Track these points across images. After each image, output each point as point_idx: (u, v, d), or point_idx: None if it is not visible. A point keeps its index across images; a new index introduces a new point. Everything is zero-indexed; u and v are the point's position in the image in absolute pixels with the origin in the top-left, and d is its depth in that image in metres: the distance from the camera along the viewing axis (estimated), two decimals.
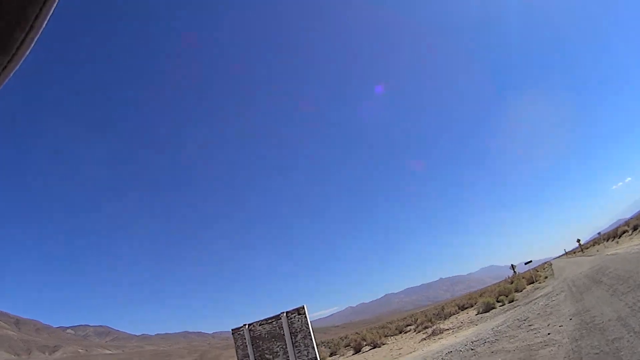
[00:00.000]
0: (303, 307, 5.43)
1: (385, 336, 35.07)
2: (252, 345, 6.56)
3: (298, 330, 5.49)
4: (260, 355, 6.38)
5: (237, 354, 7.08)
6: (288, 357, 5.62)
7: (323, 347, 44.12)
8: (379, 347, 28.44)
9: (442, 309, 46.08)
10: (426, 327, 30.06)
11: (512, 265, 61.67)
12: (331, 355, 33.46)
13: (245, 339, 6.68)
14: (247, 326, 6.69)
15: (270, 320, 6.11)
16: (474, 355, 11.46)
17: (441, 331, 23.67)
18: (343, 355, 30.82)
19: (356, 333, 56.40)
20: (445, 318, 34.16)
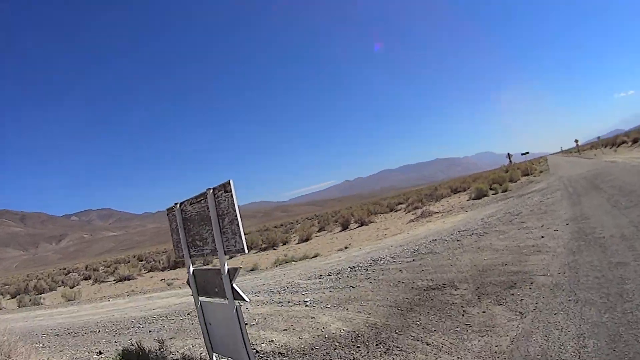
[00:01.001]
0: (229, 183, 4.09)
1: (375, 214, 35.66)
2: (184, 228, 5.61)
3: (225, 212, 4.47)
4: (191, 241, 5.45)
5: (172, 239, 5.86)
6: (215, 246, 4.30)
7: (315, 221, 45.04)
8: (367, 225, 28.92)
9: (435, 189, 46.69)
10: (416, 208, 30.58)
11: (508, 153, 60.38)
12: (320, 230, 34.18)
13: (177, 220, 5.41)
14: (178, 205, 5.48)
15: (198, 199, 4.85)
16: (459, 247, 10.60)
17: (430, 214, 23.93)
18: (330, 231, 31.22)
19: (348, 208, 57.69)
20: (437, 200, 34.51)
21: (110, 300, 16.24)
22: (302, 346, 5.69)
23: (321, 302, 7.86)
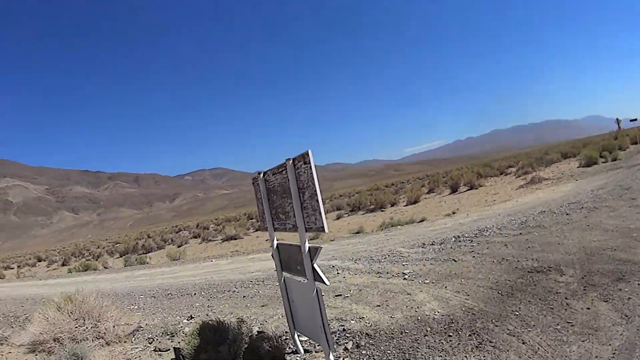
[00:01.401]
0: (307, 154, 3.72)
1: (485, 177, 34.24)
2: (268, 200, 5.29)
3: (305, 186, 4.10)
4: (275, 214, 5.14)
5: (257, 209, 5.62)
6: (296, 221, 3.99)
7: (425, 181, 43.84)
8: (476, 188, 28.08)
9: (545, 153, 43.44)
10: (526, 173, 29.22)
11: (617, 119, 53.32)
12: (429, 192, 33.31)
13: (261, 191, 5.31)
14: (262, 175, 5.17)
15: (280, 169, 4.48)
16: (568, 223, 9.39)
17: (540, 180, 22.68)
18: (440, 194, 30.26)
19: (459, 169, 55.67)
20: (547, 165, 32.28)
21: (213, 260, 16.90)
22: (392, 327, 5.32)
23: (420, 276, 7.40)
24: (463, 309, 5.47)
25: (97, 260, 28.54)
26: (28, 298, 13.74)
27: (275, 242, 5.29)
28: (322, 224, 3.80)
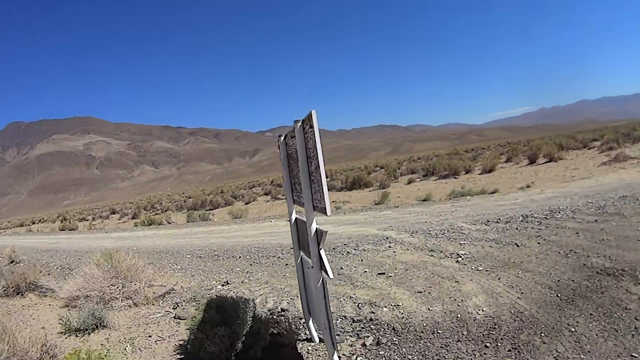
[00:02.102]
0: (311, 116, 2.93)
1: (567, 149, 31.77)
2: (288, 166, 4.61)
3: (312, 155, 3.36)
4: (293, 184, 4.51)
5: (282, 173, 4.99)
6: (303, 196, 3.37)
7: (505, 149, 41.23)
8: (555, 161, 26.10)
9: (634, 129, 39.19)
10: (610, 149, 26.87)
11: None
12: (507, 161, 31.33)
13: (282, 155, 4.69)
14: (282, 138, 4.49)
15: (294, 132, 3.72)
16: None
17: (625, 158, 20.62)
18: (517, 164, 28.36)
19: (541, 138, 52.19)
20: (634, 142, 28.95)
21: (272, 221, 16.58)
22: (425, 324, 4.59)
23: (475, 260, 6.49)
24: (512, 311, 4.56)
25: (165, 214, 29.62)
26: (87, 251, 14.32)
27: (294, 216, 4.62)
28: (325, 205, 3.09)
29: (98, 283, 7.13)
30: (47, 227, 37.10)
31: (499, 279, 5.56)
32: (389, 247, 8.11)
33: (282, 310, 5.85)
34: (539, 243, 6.85)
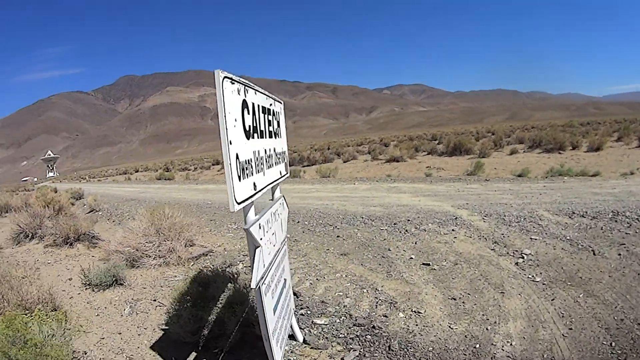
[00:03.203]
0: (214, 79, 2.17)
1: None
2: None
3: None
4: None
5: None
6: None
7: (620, 127, 35.55)
8: None
9: None
10: None
11: None
12: (617, 140, 26.92)
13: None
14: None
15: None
16: None
17: None
18: (627, 144, 24.15)
19: None
20: None
21: (356, 183, 15.66)
22: (431, 348, 3.78)
23: (537, 266, 5.27)
24: (544, 355, 3.45)
25: None
26: (167, 202, 14.89)
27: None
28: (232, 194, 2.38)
29: (135, 239, 7.18)
30: (147, 175, 39.69)
31: (553, 299, 4.35)
32: (452, 230, 7.12)
33: (294, 294, 5.27)
34: (619, 254, 5.30)
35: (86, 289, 5.88)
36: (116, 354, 4.17)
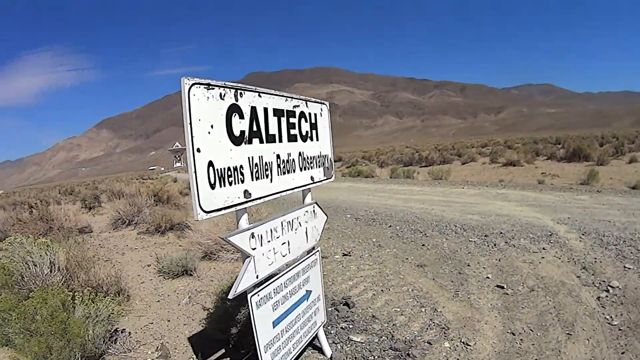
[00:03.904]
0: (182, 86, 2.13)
1: None
2: None
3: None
4: None
5: None
6: None
7: None
8: None
9: None
10: None
11: None
12: None
13: None
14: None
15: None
16: None
17: None
18: None
19: None
20: None
21: (465, 188, 14.43)
22: None
23: (620, 304, 4.30)
24: None
25: (381, 167, 29.61)
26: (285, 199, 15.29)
27: None
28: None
29: (217, 232, 7.50)
30: None
31: (623, 353, 3.51)
32: (543, 248, 6.23)
33: (346, 303, 5.04)
34: None
35: (159, 276, 6.34)
36: (155, 338, 4.42)
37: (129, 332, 4.49)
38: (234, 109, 2.64)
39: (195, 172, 2.32)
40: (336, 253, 7.26)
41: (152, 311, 5.08)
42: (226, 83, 2.58)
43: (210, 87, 2.46)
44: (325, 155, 3.89)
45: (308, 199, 3.73)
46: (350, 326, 4.47)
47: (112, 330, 4.38)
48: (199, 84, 2.37)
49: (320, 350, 3.91)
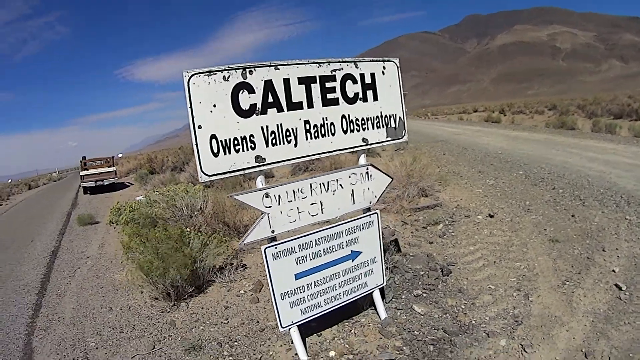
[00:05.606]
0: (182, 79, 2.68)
1: None
2: None
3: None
4: None
5: None
6: None
7: None
8: None
9: None
10: None
11: None
12: None
13: None
14: None
15: None
16: None
17: None
18: None
19: None
20: None
21: None
22: None
23: None
24: None
25: (589, 117, 24.70)
26: (466, 147, 15.27)
27: None
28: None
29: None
30: (482, 116, 37.64)
31: None
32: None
33: (442, 269, 4.86)
34: None
35: None
36: (262, 276, 5.08)
37: (245, 267, 5.36)
38: (242, 87, 3.00)
39: (196, 144, 2.87)
40: (481, 213, 6.91)
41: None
42: (230, 65, 2.96)
43: (212, 72, 2.90)
44: (390, 115, 3.83)
45: (362, 161, 3.75)
46: (425, 295, 4.35)
47: (227, 264, 5.31)
48: (198, 73, 2.85)
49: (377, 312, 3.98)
